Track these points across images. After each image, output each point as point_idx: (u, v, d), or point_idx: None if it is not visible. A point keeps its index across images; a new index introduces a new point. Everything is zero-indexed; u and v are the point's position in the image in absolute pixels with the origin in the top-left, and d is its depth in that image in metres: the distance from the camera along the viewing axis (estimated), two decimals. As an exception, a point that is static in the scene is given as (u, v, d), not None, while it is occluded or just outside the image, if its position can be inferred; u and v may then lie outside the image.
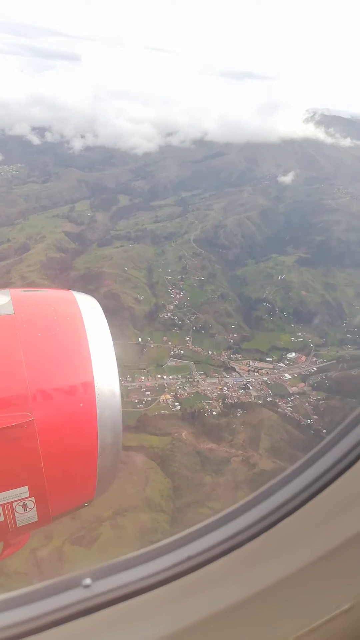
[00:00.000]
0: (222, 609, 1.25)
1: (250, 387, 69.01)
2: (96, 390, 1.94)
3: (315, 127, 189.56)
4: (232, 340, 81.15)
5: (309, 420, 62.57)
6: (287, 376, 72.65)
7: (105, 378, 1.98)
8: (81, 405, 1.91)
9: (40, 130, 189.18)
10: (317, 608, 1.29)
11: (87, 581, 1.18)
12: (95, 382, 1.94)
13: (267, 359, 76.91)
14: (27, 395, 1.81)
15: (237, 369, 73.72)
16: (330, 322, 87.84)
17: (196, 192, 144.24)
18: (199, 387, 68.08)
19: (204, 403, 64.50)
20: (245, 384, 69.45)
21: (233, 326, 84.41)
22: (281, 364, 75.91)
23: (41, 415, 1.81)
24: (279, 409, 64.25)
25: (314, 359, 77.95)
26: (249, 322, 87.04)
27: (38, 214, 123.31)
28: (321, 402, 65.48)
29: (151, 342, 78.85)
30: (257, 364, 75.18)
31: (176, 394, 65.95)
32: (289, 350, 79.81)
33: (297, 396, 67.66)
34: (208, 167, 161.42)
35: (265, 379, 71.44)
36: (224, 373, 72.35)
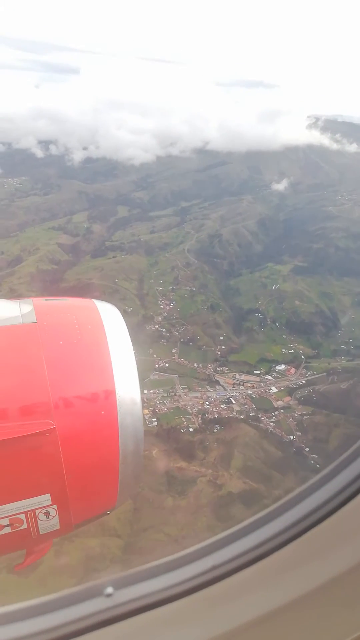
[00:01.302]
0: (249, 621, 1.20)
1: (234, 402, 66.42)
2: (117, 398, 1.97)
3: (320, 134, 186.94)
4: (219, 353, 78.74)
5: (291, 437, 59.69)
6: (274, 389, 69.82)
7: (126, 386, 2.02)
8: (103, 413, 1.94)
9: (45, 144, 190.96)
10: (350, 622, 1.22)
11: (109, 590, 1.15)
12: (117, 390, 1.98)
13: (254, 371, 74.25)
14: (49, 403, 1.84)
15: (221, 382, 71.25)
16: (324, 332, 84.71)
17: (196, 201, 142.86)
18: (179, 402, 65.79)
19: (183, 419, 62.11)
20: (228, 398, 66.91)
21: (222, 338, 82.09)
22: (269, 377, 73.11)
23: (63, 423, 1.84)
24: (261, 425, 61.50)
25: (304, 372, 74.91)
26: (239, 333, 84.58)
27: (35, 226, 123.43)
28: (305, 417, 62.54)
29: (136, 355, 76.73)
30: (244, 377, 72.62)
31: (155, 409, 63.76)
32: (278, 362, 76.94)
33: (282, 411, 64.80)
34: (210, 177, 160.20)
35: (250, 392, 68.75)
36: (207, 387, 69.97)
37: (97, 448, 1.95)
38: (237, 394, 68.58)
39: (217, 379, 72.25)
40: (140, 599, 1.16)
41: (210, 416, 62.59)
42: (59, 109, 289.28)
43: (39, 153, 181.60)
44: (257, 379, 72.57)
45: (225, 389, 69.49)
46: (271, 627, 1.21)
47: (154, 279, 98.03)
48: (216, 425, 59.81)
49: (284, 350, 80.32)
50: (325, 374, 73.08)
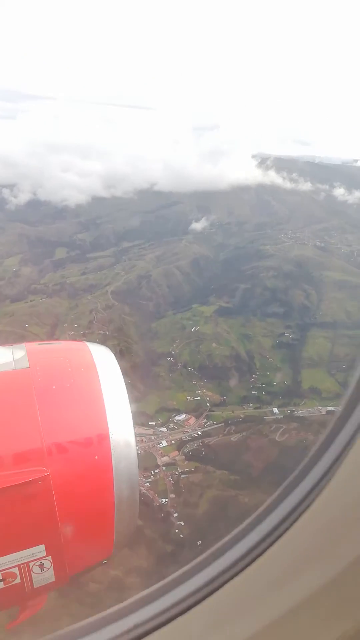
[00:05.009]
0: None
1: (114, 458, 60.21)
2: (111, 441, 1.95)
3: (276, 173, 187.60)
4: (118, 402, 72.96)
5: (163, 500, 53.37)
6: (164, 443, 63.86)
7: (120, 429, 2.01)
8: (96, 457, 1.90)
9: None
10: None
11: None
12: (110, 434, 1.96)
13: (150, 422, 68.43)
14: (42, 450, 1.80)
15: (109, 436, 65.16)
16: (237, 377, 79.54)
17: (138, 242, 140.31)
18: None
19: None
20: (109, 455, 60.70)
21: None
22: (163, 429, 67.25)
23: (57, 469, 1.80)
24: (134, 486, 55.24)
25: (204, 421, 69.16)
26: (147, 380, 79.11)
27: None
28: (183, 476, 56.35)
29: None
30: (136, 430, 65.85)
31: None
32: (179, 412, 71.30)
33: (164, 468, 58.66)
34: (158, 217, 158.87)
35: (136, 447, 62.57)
36: (92, 441, 63.87)
37: (91, 495, 1.85)
38: (122, 449, 62.41)
39: (107, 432, 66.20)
40: None
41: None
42: (11, 153, 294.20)
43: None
44: (151, 431, 66.67)
45: (111, 444, 63.34)
46: None
47: (69, 323, 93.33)
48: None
49: (189, 397, 74.83)
50: (223, 424, 67.31)
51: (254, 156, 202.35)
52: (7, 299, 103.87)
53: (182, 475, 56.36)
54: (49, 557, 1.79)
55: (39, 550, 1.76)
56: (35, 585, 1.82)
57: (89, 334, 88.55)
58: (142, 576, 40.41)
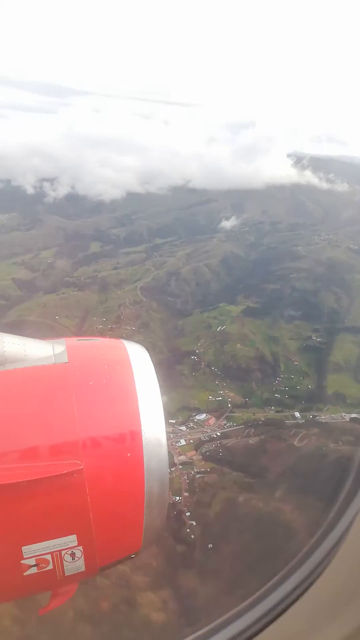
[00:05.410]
0: None
1: (132, 454, 61.25)
2: (143, 439, 1.98)
3: (312, 173, 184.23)
4: (140, 398, 73.98)
5: (176, 498, 53.87)
6: (182, 442, 64.40)
7: (152, 427, 2.02)
8: (129, 454, 1.96)
9: (40, 181, 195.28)
10: None
11: None
12: (143, 431, 1.99)
13: (170, 420, 69.02)
14: (77, 443, 1.88)
15: (129, 431, 66.25)
16: (260, 379, 79.11)
17: (170, 239, 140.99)
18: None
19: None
20: (127, 450, 61.77)
21: (147, 382, 77.41)
22: (183, 427, 67.80)
23: (90, 463, 1.87)
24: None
25: (224, 422, 69.25)
26: (169, 377, 79.67)
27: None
28: (198, 476, 56.72)
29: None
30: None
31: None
32: (200, 411, 71.63)
33: (180, 467, 59.03)
34: (191, 214, 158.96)
35: (154, 444, 63.44)
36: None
37: (122, 490, 1.94)
38: (140, 445, 63.37)
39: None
40: None
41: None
42: (53, 147, 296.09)
43: (31, 190, 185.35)
44: (170, 429, 67.17)
45: (129, 439, 64.41)
46: None
47: (98, 316, 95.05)
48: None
49: (211, 397, 75.02)
50: (242, 426, 67.21)
51: (289, 155, 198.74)
52: (40, 291, 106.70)
53: (198, 475, 56.70)
54: (80, 547, 1.90)
55: (71, 539, 1.87)
56: (67, 573, 1.95)
57: (116, 329, 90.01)
58: (149, 575, 41.15)
